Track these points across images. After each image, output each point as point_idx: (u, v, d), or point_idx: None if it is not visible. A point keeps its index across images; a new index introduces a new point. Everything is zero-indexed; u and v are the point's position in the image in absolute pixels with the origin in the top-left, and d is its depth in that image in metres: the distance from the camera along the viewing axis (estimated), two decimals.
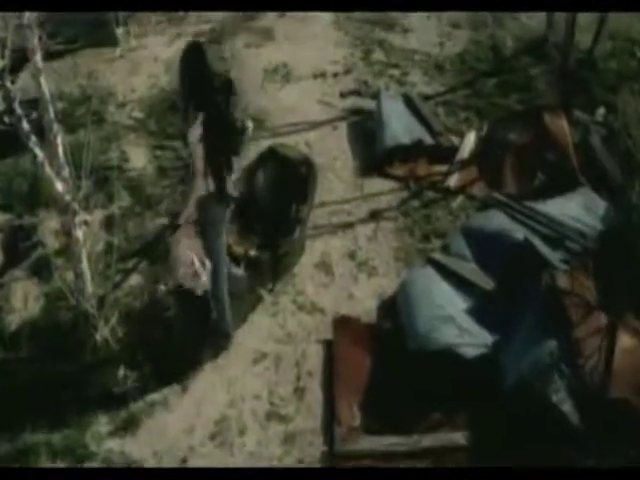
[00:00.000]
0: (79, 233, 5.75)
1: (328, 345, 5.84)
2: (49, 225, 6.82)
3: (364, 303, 6.12)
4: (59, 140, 5.40)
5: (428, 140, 7.41)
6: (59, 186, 5.45)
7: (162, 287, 6.24)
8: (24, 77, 8.01)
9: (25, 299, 6.35)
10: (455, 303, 5.92)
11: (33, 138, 5.21)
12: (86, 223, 6.86)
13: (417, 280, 6.12)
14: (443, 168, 7.30)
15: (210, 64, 6.22)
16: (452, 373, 5.38)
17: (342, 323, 5.93)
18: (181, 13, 9.49)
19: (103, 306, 5.92)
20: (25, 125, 5.25)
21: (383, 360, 5.68)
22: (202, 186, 5.89)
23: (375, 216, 6.82)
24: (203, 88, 6.09)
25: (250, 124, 7.73)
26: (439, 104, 7.93)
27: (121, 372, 5.71)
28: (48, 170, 5.31)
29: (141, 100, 8.20)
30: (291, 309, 6.06)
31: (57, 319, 6.12)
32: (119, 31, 8.68)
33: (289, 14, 9.46)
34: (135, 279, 6.45)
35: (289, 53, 8.76)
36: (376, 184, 7.11)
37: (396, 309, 5.99)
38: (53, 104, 5.80)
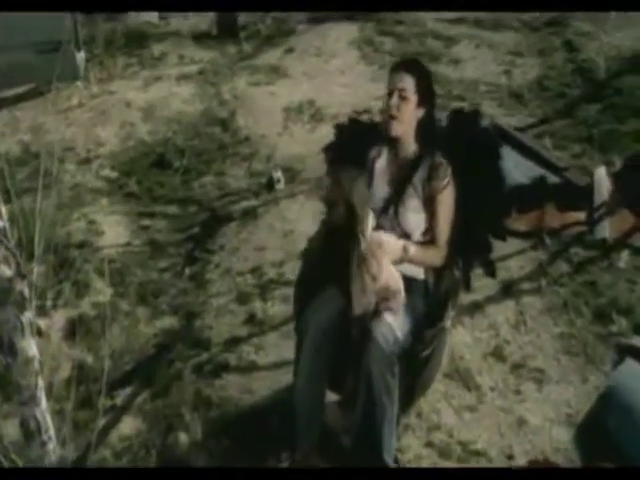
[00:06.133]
0: (32, 347, 3.00)
1: None
2: None
3: (550, 434, 3.45)
4: None
5: (552, 178, 5.09)
6: None
7: (183, 436, 3.53)
8: None
9: None
10: None
11: None
12: (39, 333, 4.16)
13: (626, 387, 3.60)
14: (579, 215, 4.95)
15: None
16: None
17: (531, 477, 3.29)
18: (156, 54, 7.24)
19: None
20: None
21: None
22: None
23: (510, 290, 4.30)
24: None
25: (280, 175, 5.35)
26: (543, 135, 5.70)
27: None
28: None
29: (113, 155, 5.66)
30: (427, 457, 3.34)
31: None
32: (79, 57, 6.20)
33: (299, 49, 7.34)
34: (130, 425, 3.66)
35: (313, 89, 6.46)
36: (494, 244, 4.64)
37: (608, 440, 3.41)
38: None
